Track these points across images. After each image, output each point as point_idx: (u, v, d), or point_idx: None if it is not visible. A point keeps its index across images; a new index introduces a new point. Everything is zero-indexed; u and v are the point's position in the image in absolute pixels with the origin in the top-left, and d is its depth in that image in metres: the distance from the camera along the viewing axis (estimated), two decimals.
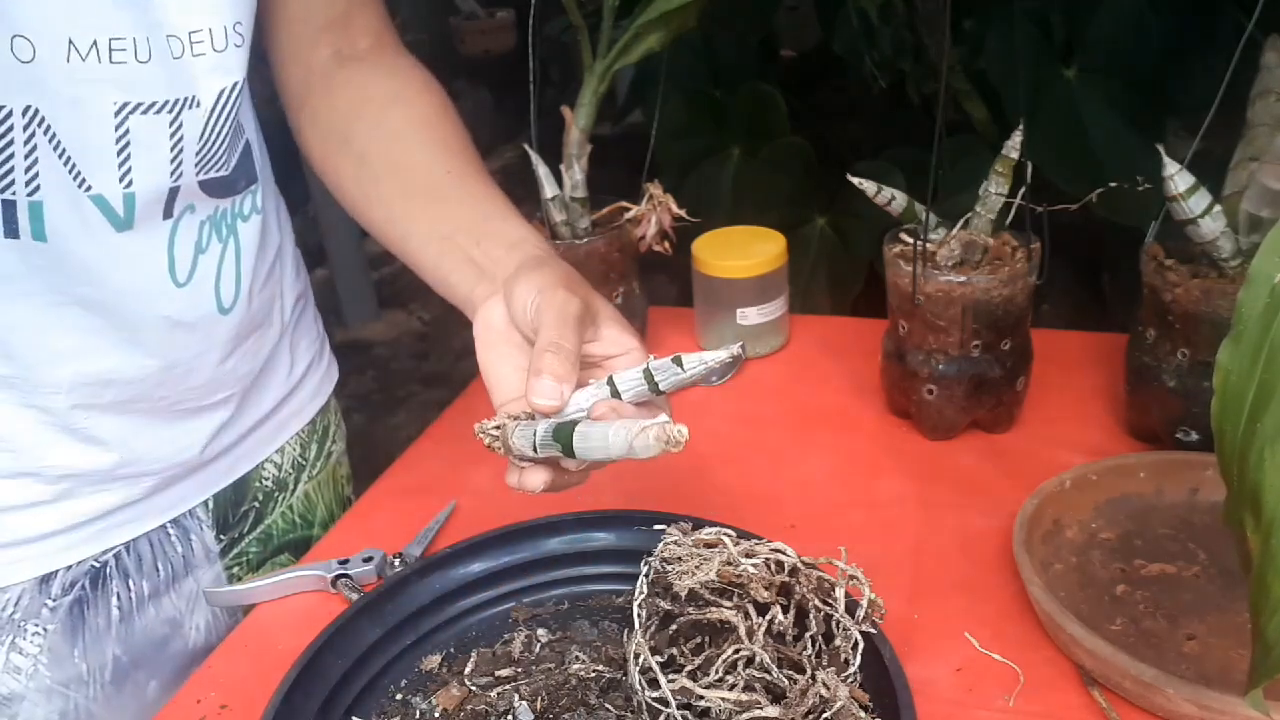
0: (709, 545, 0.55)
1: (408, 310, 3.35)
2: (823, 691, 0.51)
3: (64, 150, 0.58)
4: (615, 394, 0.56)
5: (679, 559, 0.54)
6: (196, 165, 0.64)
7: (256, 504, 0.80)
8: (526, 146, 0.91)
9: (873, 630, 0.55)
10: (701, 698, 0.52)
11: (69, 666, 0.70)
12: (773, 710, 0.51)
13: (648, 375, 0.55)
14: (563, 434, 0.52)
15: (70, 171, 0.59)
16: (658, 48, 0.88)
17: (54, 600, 0.69)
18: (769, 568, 0.54)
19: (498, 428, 0.56)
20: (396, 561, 0.74)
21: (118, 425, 0.67)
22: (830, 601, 0.55)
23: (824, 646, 0.55)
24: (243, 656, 0.69)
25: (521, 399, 0.56)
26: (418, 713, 0.61)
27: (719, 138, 1.85)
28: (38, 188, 0.58)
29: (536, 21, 0.88)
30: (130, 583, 0.72)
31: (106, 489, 0.69)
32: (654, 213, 0.93)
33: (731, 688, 0.52)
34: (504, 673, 0.62)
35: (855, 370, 0.93)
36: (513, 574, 0.69)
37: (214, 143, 0.65)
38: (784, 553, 0.55)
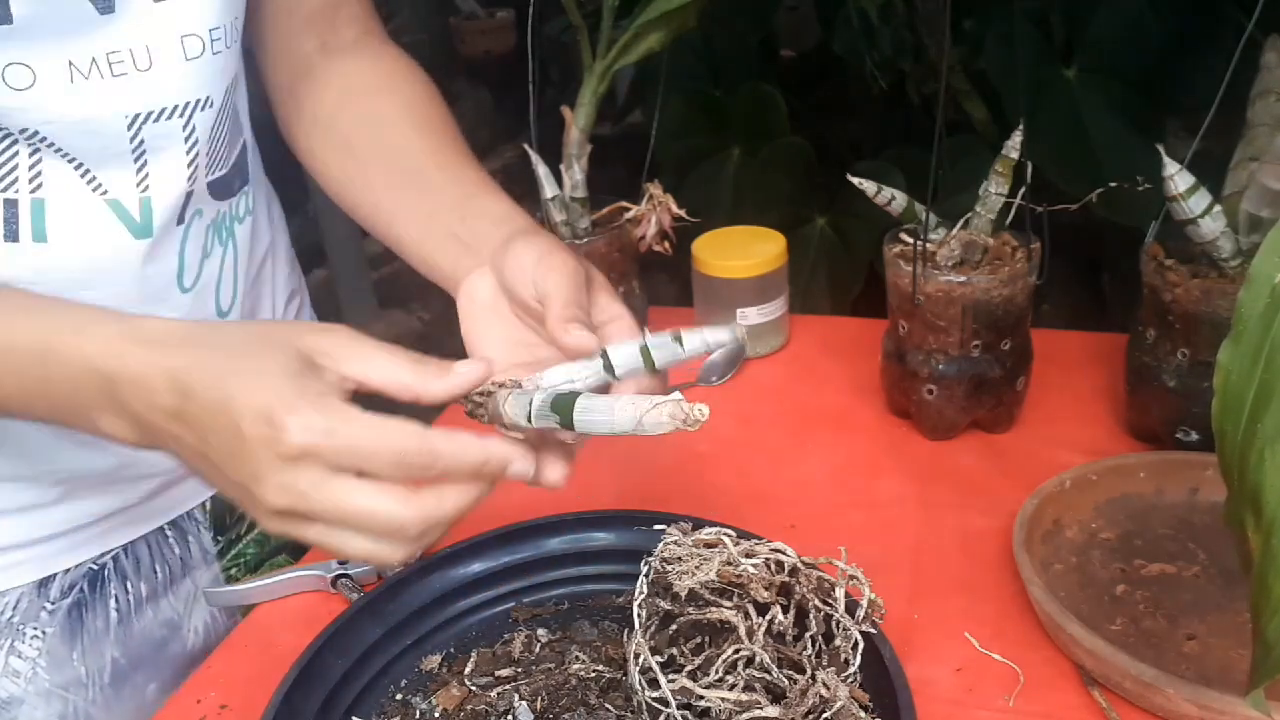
0: (709, 545, 0.55)
1: (408, 310, 3.35)
2: (823, 691, 0.51)
3: (76, 160, 0.59)
4: (608, 367, 0.54)
5: (679, 559, 0.54)
6: (208, 166, 0.65)
7: None
8: (526, 146, 0.91)
9: (873, 630, 0.55)
10: (701, 698, 0.52)
11: (68, 669, 0.70)
12: (773, 710, 0.51)
13: (644, 352, 0.54)
14: (562, 404, 0.49)
15: (84, 177, 0.60)
16: (658, 48, 0.88)
17: (52, 603, 0.69)
18: (769, 568, 0.54)
19: (483, 394, 0.53)
20: None
21: None
22: (830, 601, 0.55)
23: (824, 646, 0.55)
24: (242, 657, 0.69)
25: (509, 370, 0.55)
26: (418, 713, 0.61)
27: (719, 138, 1.85)
28: (40, 185, 0.59)
29: (536, 21, 0.88)
30: (128, 585, 0.72)
31: (106, 491, 0.69)
32: (654, 213, 0.93)
33: (731, 688, 0.52)
34: (504, 673, 0.62)
35: (855, 370, 0.93)
36: (513, 574, 0.69)
37: (219, 140, 0.65)
38: (784, 553, 0.54)
